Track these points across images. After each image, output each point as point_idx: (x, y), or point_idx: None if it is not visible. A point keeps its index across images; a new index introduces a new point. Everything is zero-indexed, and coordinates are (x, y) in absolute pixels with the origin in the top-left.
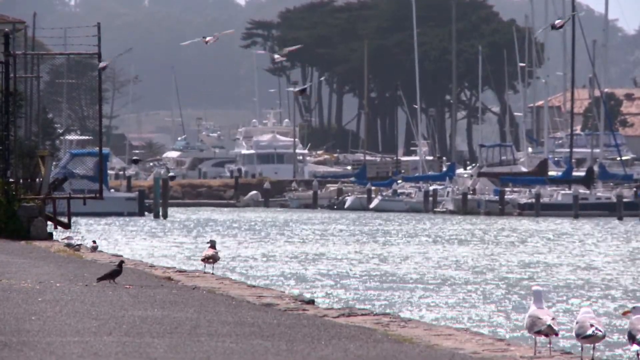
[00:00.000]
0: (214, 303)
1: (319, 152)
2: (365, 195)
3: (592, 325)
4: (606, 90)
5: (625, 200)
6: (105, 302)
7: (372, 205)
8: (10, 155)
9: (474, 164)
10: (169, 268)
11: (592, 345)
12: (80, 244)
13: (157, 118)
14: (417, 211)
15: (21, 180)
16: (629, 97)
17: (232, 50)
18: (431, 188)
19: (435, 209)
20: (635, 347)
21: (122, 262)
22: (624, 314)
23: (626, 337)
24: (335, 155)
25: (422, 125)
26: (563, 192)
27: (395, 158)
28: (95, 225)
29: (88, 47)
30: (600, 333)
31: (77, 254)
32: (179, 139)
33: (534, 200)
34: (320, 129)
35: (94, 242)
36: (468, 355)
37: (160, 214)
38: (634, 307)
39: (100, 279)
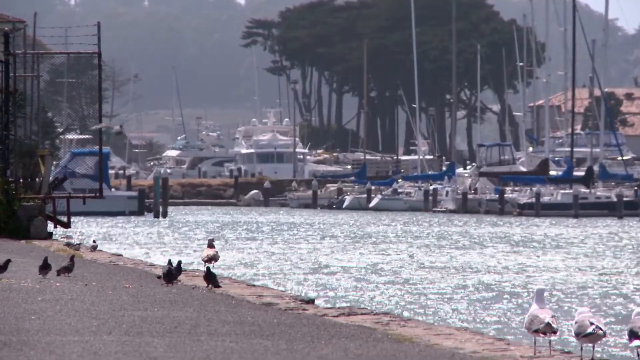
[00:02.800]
0: (214, 302)
1: (319, 151)
2: (365, 195)
3: (592, 324)
4: (606, 89)
5: (625, 199)
6: (104, 301)
7: (371, 205)
8: (10, 155)
9: (472, 164)
10: None
11: (592, 344)
12: (80, 243)
13: (157, 117)
14: (416, 210)
15: (21, 180)
16: (629, 96)
17: (232, 50)
18: (431, 187)
19: (434, 209)
20: (635, 342)
21: (209, 266)
22: None
23: (627, 335)
24: (335, 154)
25: (422, 125)
26: (563, 191)
27: (395, 157)
28: (97, 226)
29: (88, 46)
30: (600, 332)
31: (77, 253)
32: (179, 138)
33: (534, 199)
34: (320, 128)
35: (94, 241)
36: (468, 354)
37: (160, 213)
38: None
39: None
